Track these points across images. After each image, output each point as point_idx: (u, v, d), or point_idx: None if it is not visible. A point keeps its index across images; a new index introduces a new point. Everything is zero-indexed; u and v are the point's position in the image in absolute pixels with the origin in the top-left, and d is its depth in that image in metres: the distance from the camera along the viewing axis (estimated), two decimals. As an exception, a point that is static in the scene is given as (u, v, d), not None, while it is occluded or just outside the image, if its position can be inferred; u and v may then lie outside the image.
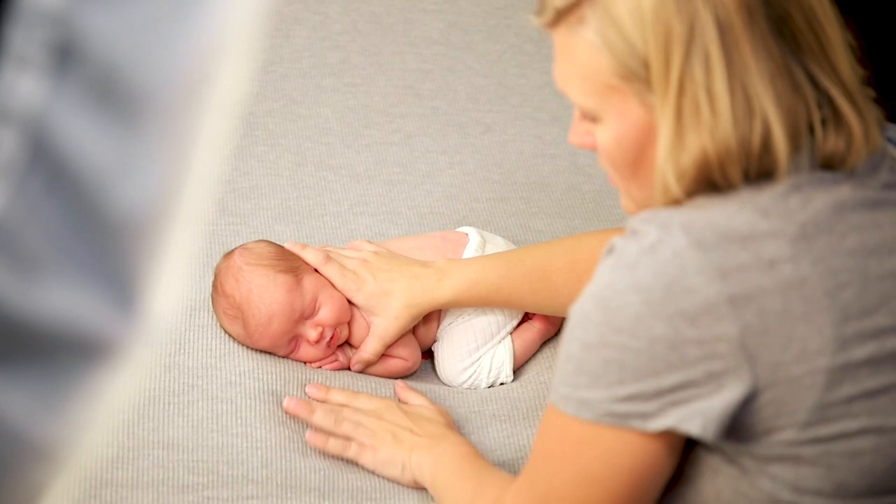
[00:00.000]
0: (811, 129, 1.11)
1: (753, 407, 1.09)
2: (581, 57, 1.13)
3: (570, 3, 1.12)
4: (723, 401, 1.08)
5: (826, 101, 1.11)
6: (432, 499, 1.46)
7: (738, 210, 1.10)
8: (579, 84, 1.15)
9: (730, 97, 1.07)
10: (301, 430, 1.52)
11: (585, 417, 1.13)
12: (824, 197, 1.11)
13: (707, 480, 1.17)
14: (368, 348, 1.64)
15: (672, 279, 1.07)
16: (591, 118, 1.17)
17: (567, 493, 1.17)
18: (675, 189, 1.11)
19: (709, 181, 1.11)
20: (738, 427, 1.11)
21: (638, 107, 1.12)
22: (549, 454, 1.19)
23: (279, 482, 1.45)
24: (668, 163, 1.11)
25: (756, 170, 1.10)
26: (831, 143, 1.11)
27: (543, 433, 1.20)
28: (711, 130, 1.08)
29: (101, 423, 0.61)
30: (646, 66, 1.09)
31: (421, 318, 1.64)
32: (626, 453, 1.13)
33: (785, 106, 1.08)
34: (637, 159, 1.15)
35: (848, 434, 1.11)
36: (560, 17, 1.13)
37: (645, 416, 1.10)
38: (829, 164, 1.13)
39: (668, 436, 1.12)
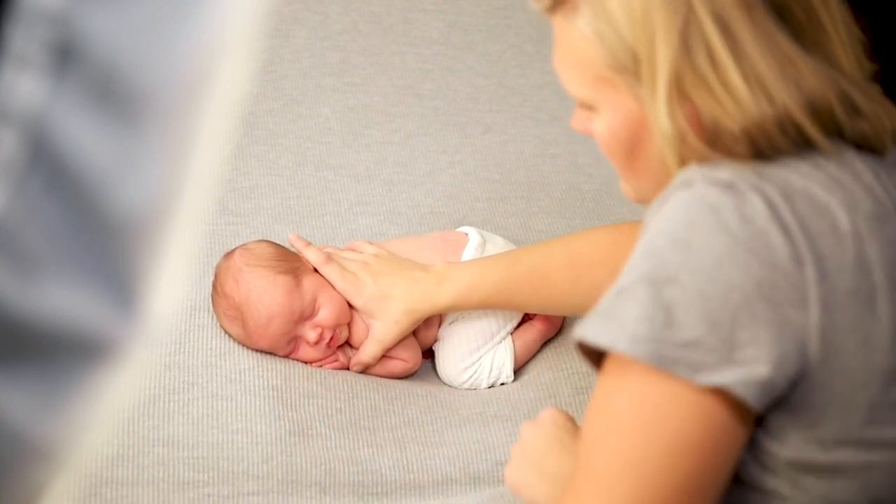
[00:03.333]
0: (833, 117, 1.08)
1: (808, 388, 1.03)
2: (575, 46, 1.13)
3: None
4: (783, 373, 1.02)
5: (838, 90, 1.08)
6: (433, 495, 1.46)
7: (811, 174, 1.06)
8: (574, 73, 1.15)
9: (746, 85, 1.05)
10: (303, 425, 1.52)
11: (634, 353, 1.02)
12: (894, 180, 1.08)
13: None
14: (367, 352, 1.63)
15: (759, 229, 1.02)
16: (588, 107, 1.17)
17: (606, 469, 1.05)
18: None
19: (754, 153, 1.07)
20: (786, 404, 1.04)
21: (631, 99, 1.11)
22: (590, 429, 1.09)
23: (280, 477, 1.45)
24: (673, 159, 1.09)
25: (793, 147, 1.07)
26: (859, 127, 1.09)
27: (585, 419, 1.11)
28: (740, 114, 1.05)
29: (101, 422, 0.61)
30: (635, 59, 1.08)
31: (421, 322, 1.64)
32: (686, 411, 1.02)
33: (803, 91, 1.06)
34: (632, 151, 1.14)
35: (891, 443, 1.06)
36: (557, 4, 1.14)
37: (697, 367, 1.01)
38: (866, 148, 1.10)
39: (729, 401, 1.02)
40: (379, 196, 2.01)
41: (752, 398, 1.02)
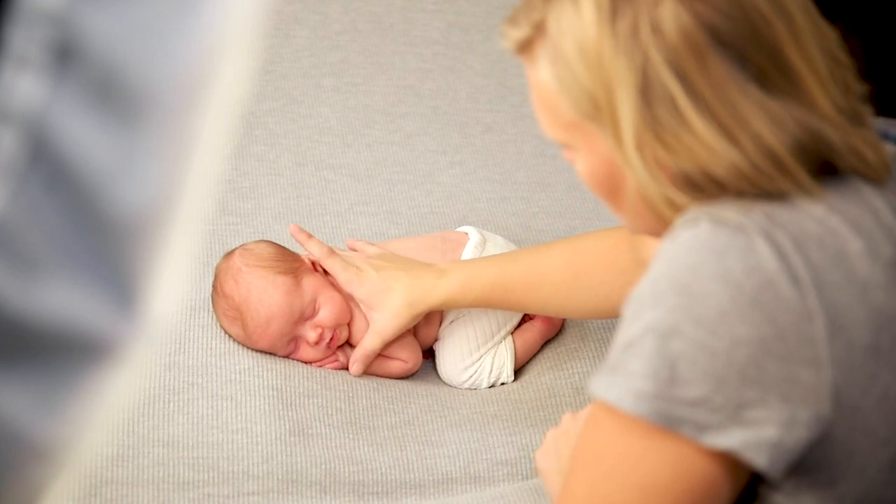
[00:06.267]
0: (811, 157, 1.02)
1: (825, 447, 0.99)
2: (543, 92, 1.09)
3: (525, 38, 1.08)
4: (794, 435, 0.98)
5: (807, 131, 1.01)
6: (433, 495, 1.46)
7: (826, 218, 1.01)
8: (546, 118, 1.11)
9: (711, 132, 1.00)
10: (303, 425, 1.52)
11: (638, 412, 0.99)
12: None
13: None
14: (367, 345, 1.63)
15: (766, 280, 0.97)
16: (568, 147, 1.12)
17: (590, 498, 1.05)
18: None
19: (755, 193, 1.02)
20: (806, 466, 1.01)
21: (604, 143, 1.06)
22: (580, 455, 1.08)
23: (280, 477, 1.45)
24: (661, 199, 1.04)
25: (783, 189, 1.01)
26: (846, 164, 1.03)
27: (582, 435, 1.09)
28: (715, 160, 1.01)
29: (101, 422, 0.61)
30: (596, 105, 1.04)
31: (420, 318, 1.64)
32: (670, 464, 1.00)
33: (762, 137, 1.00)
34: (613, 190, 1.10)
35: None
36: (522, 48, 1.10)
37: (703, 427, 0.98)
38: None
39: (727, 460, 1.00)
40: (379, 196, 2.01)
41: (763, 461, 0.98)
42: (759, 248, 0.98)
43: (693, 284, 0.98)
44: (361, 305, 1.65)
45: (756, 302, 0.97)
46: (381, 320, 1.62)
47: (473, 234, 1.75)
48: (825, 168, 1.03)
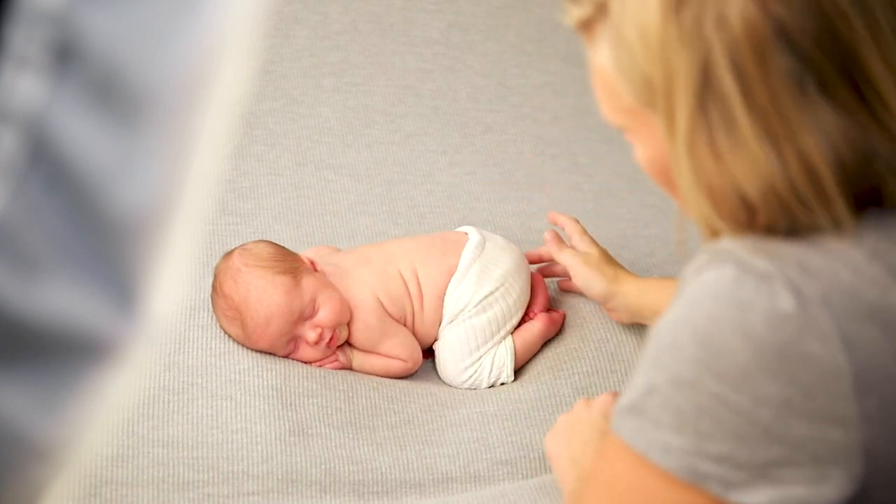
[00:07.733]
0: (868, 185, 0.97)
1: (857, 502, 0.96)
2: (602, 75, 1.04)
3: (587, 17, 1.04)
4: (824, 494, 0.94)
5: (858, 154, 0.96)
6: (433, 494, 1.46)
7: (864, 266, 0.96)
8: (605, 101, 1.07)
9: (760, 144, 0.95)
10: (303, 425, 1.52)
11: (666, 465, 0.97)
12: None
13: None
14: (564, 255, 1.71)
15: (789, 337, 0.93)
16: (626, 131, 1.08)
17: None
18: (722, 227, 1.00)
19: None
20: None
21: (661, 133, 1.01)
22: (593, 477, 1.05)
23: (280, 477, 1.45)
24: (698, 207, 1.00)
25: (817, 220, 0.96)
26: (889, 191, 0.97)
27: (600, 461, 1.06)
28: (755, 176, 0.96)
29: (101, 422, 0.61)
30: (654, 92, 0.99)
31: (608, 298, 1.67)
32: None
33: (807, 154, 0.95)
34: (671, 182, 1.03)
35: None
36: (584, 26, 1.05)
37: (729, 484, 0.95)
38: None
39: None
40: (379, 196, 2.01)
41: None
42: (783, 301, 0.93)
43: (714, 337, 0.94)
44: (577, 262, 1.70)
45: (779, 360, 0.93)
46: (593, 266, 1.69)
47: (473, 234, 1.75)
48: (873, 198, 0.98)
